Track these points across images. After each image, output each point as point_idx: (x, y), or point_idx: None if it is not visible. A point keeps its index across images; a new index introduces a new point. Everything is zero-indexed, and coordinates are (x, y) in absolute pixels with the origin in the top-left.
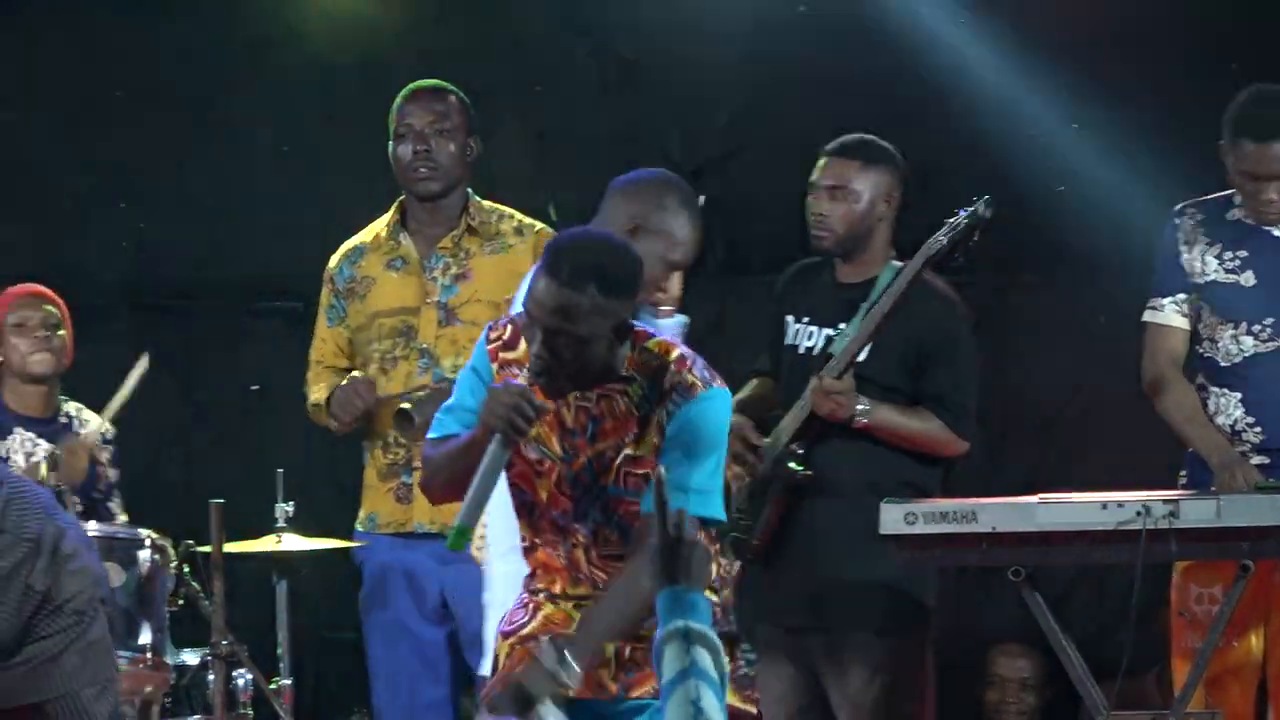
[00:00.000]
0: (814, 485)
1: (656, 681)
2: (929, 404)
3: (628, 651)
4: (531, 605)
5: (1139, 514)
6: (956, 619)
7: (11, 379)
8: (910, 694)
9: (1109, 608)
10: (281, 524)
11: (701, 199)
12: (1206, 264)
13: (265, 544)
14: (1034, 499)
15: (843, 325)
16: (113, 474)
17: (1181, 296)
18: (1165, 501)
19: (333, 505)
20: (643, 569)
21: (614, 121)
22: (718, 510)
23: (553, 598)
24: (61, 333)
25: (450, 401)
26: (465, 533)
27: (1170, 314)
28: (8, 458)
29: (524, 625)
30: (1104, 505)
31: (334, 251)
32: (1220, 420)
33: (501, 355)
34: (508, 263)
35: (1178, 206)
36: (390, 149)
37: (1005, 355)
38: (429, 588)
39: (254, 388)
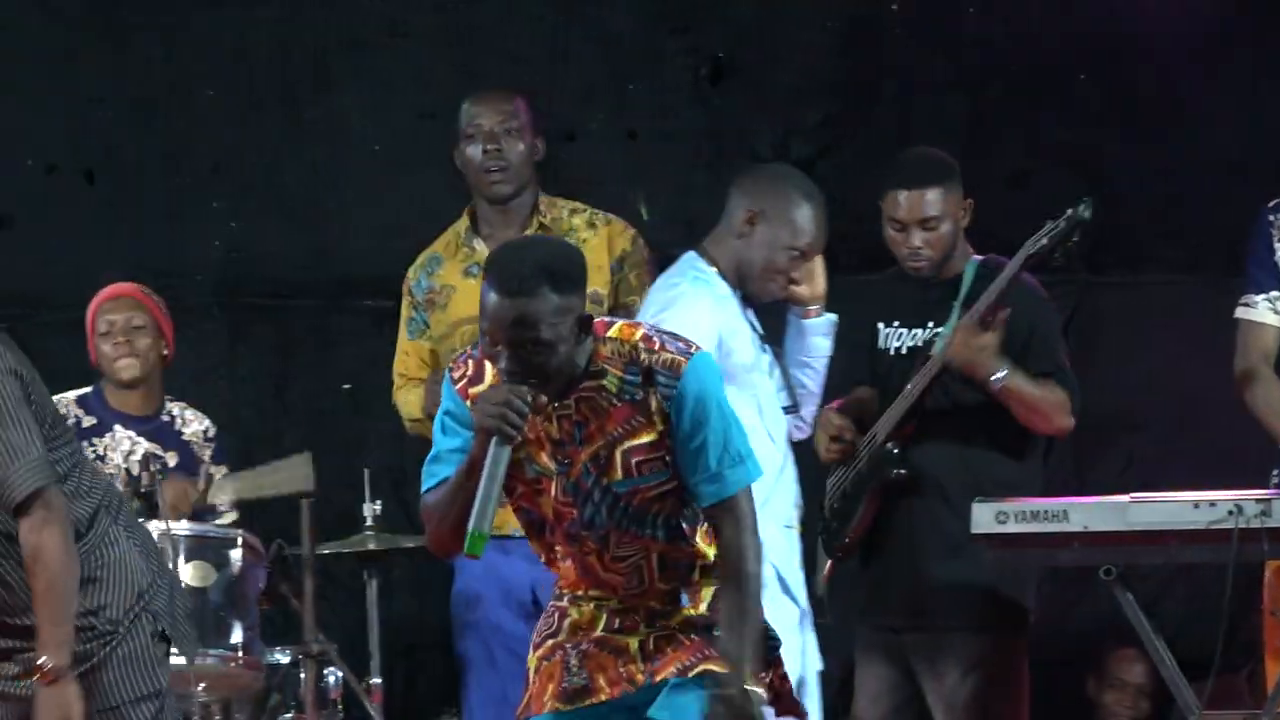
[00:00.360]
0: (911, 485)
1: (679, 661)
2: (1043, 378)
3: (651, 643)
4: (557, 613)
5: (1231, 513)
6: (1060, 616)
7: (106, 378)
8: (1007, 693)
9: (1201, 607)
10: (371, 523)
11: None
12: None
13: (356, 543)
14: (1125, 498)
15: (931, 324)
16: (217, 472)
17: (1275, 294)
18: (1258, 500)
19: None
20: (741, 553)
21: (706, 120)
22: (759, 463)
23: (576, 599)
24: (146, 337)
25: (431, 452)
26: (481, 538)
27: (1263, 311)
28: (104, 455)
29: (553, 633)
30: (1196, 504)
31: (427, 249)
32: None
33: (471, 391)
34: None
35: (1271, 203)
36: (458, 151)
37: (1095, 352)
38: (521, 587)
39: (345, 387)
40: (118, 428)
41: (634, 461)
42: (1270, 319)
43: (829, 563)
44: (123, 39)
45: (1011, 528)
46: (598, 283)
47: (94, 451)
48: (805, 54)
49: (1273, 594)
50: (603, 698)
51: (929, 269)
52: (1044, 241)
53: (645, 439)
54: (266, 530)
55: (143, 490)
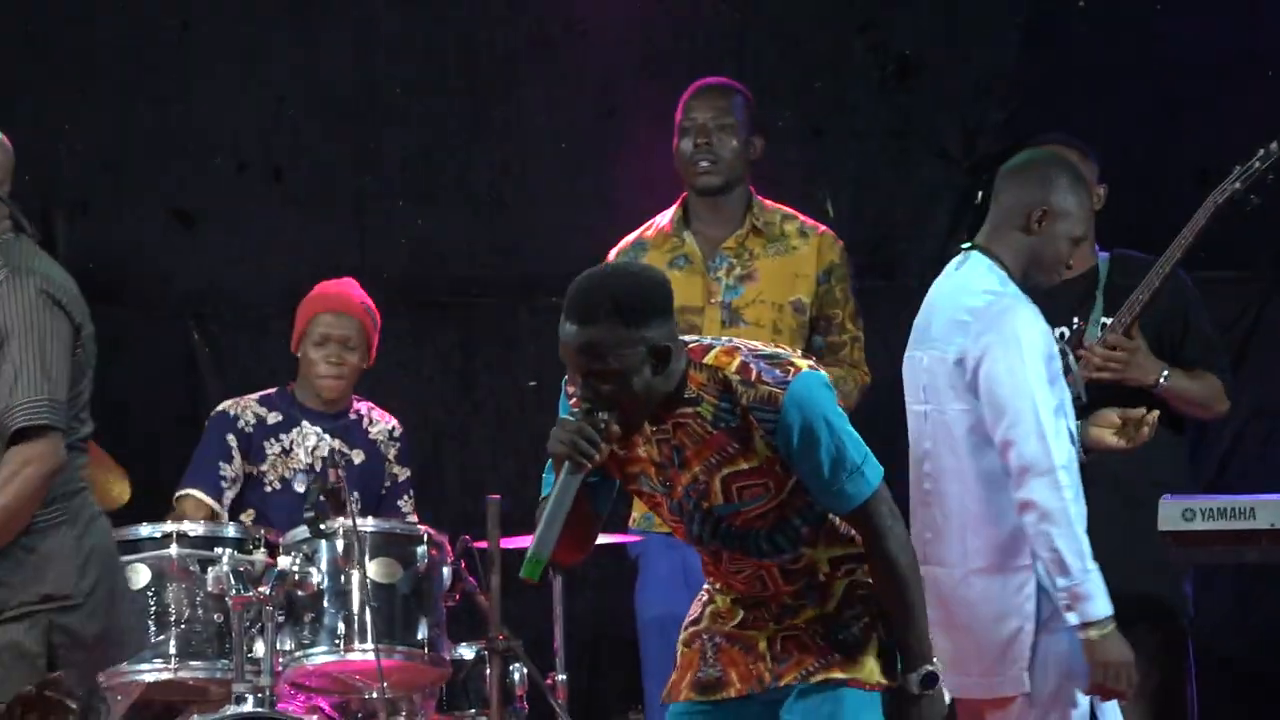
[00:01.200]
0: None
1: (803, 666)
2: (1197, 366)
3: (779, 644)
4: (704, 599)
5: None
6: (1225, 615)
7: (304, 378)
8: (1184, 683)
9: None
10: None
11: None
12: None
13: None
14: None
15: (1077, 320)
16: (401, 472)
17: None
18: None
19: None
20: (891, 556)
21: (891, 118)
22: (877, 466)
23: (715, 590)
24: (355, 355)
25: (549, 462)
26: (540, 563)
27: None
28: (291, 450)
29: (695, 620)
30: None
31: (611, 248)
32: None
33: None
34: (792, 264)
35: None
36: (675, 144)
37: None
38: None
39: (531, 384)
40: (305, 423)
41: (734, 487)
42: None
43: None
44: (313, 37)
45: (1199, 525)
46: (803, 291)
47: (281, 446)
48: (990, 51)
49: None
50: (733, 693)
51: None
52: (1236, 185)
53: (744, 465)
54: (453, 526)
55: (329, 487)
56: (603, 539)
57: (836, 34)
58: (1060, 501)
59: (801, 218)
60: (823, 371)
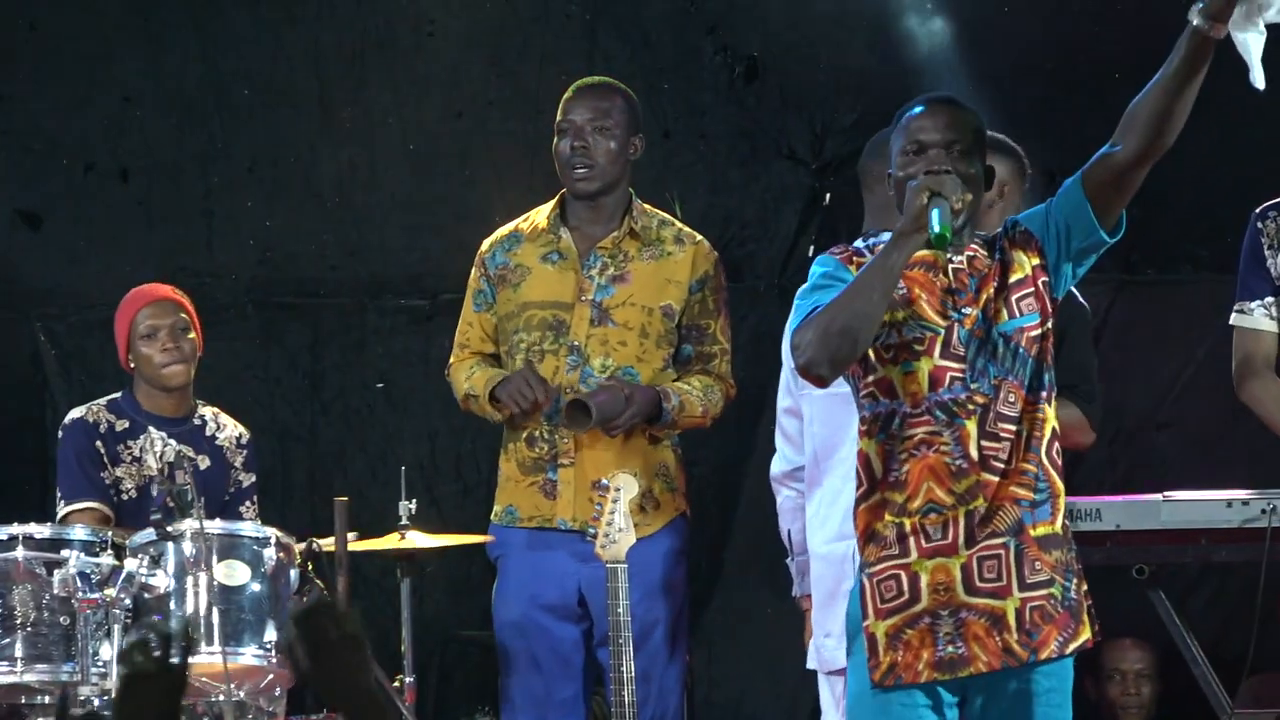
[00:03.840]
0: None
1: (1055, 638)
2: (1063, 392)
3: (1028, 613)
4: (900, 576)
5: (1264, 512)
6: None
7: (144, 381)
8: None
9: (1232, 606)
10: (405, 521)
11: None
12: None
13: (389, 541)
14: (1158, 497)
15: None
16: (246, 478)
17: (1270, 299)
18: None
19: (456, 503)
20: None
21: (739, 119)
22: None
23: (927, 533)
24: (191, 336)
25: (807, 301)
26: (946, 235)
27: (1259, 318)
28: (141, 457)
29: (910, 601)
30: (1229, 503)
31: (461, 249)
32: None
33: (855, 260)
34: (665, 270)
35: (1259, 209)
36: (554, 144)
37: (1128, 352)
38: (566, 585)
39: (379, 385)
40: (151, 429)
41: (1014, 300)
42: (1266, 324)
43: None
44: (159, 37)
45: None
46: (673, 297)
47: (131, 453)
48: (838, 52)
49: None
50: (982, 668)
51: None
52: None
53: (1018, 275)
54: (299, 529)
55: (175, 489)
56: (453, 540)
57: (686, 35)
58: None
59: (680, 225)
60: None
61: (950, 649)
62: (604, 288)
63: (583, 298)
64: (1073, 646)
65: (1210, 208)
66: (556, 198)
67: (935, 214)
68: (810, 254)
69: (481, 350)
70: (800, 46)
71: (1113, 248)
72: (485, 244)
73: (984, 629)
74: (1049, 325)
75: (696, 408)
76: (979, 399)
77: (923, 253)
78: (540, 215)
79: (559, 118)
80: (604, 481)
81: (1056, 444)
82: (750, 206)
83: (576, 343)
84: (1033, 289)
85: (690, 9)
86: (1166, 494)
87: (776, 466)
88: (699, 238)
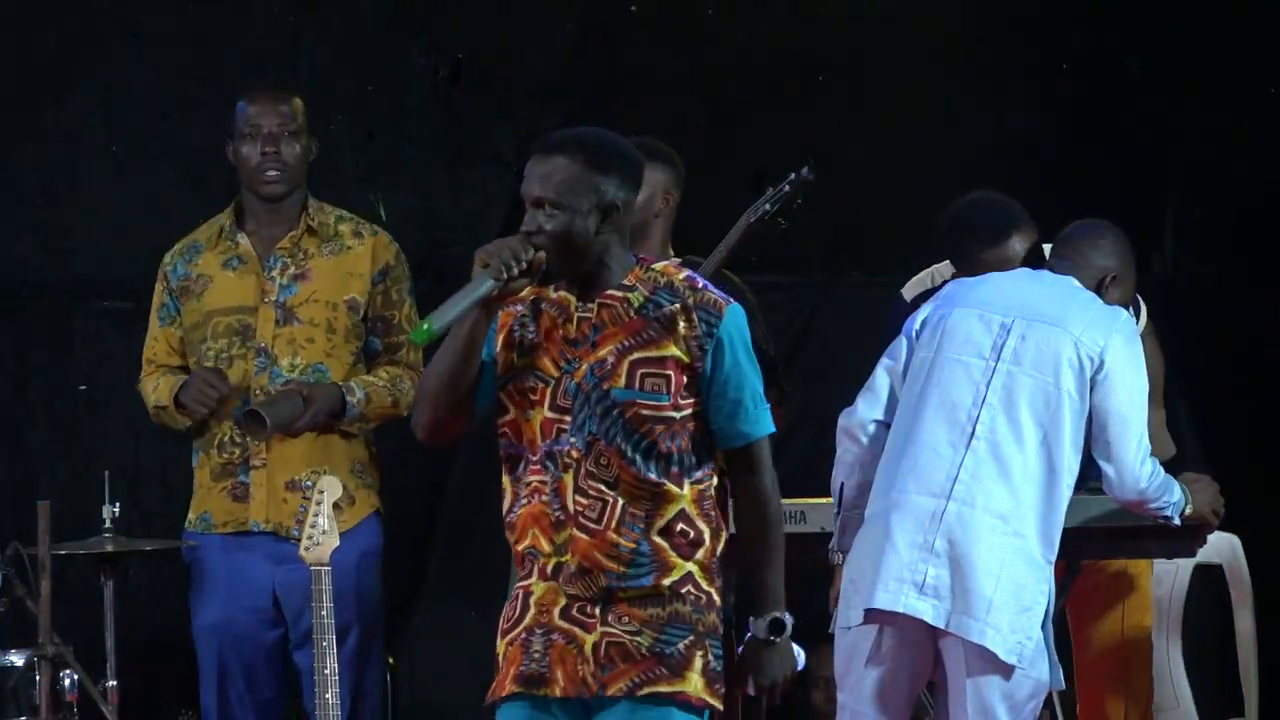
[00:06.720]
0: None
1: (628, 679)
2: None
3: (604, 648)
4: (521, 595)
5: None
6: None
7: None
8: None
9: None
10: (109, 525)
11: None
12: None
13: (93, 545)
14: None
15: None
16: None
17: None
18: None
19: (160, 507)
20: (767, 495)
21: (444, 121)
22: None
23: (540, 569)
24: None
25: None
26: (428, 332)
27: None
28: None
29: (519, 620)
30: None
31: (166, 251)
32: None
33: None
34: (346, 264)
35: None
36: (231, 149)
37: (833, 354)
38: (261, 588)
39: (81, 388)
40: None
41: (640, 373)
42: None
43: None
44: None
45: None
46: (356, 290)
47: None
48: (544, 55)
49: None
50: (557, 692)
51: None
52: (766, 206)
53: (655, 353)
54: (1, 531)
55: None
56: (155, 544)
57: (392, 37)
58: None
59: (357, 219)
60: None
61: (534, 666)
62: (286, 287)
63: (266, 300)
64: (648, 690)
65: (917, 210)
66: (231, 205)
67: (453, 301)
68: None
69: (168, 364)
70: (506, 48)
71: (817, 250)
72: (166, 257)
73: (570, 653)
74: (681, 415)
75: (385, 399)
76: (574, 454)
77: (559, 294)
78: (216, 224)
79: (241, 123)
80: (306, 483)
81: (695, 526)
82: (456, 209)
83: (263, 345)
84: (668, 374)
85: (398, 10)
86: None
87: (852, 416)
88: (378, 229)
